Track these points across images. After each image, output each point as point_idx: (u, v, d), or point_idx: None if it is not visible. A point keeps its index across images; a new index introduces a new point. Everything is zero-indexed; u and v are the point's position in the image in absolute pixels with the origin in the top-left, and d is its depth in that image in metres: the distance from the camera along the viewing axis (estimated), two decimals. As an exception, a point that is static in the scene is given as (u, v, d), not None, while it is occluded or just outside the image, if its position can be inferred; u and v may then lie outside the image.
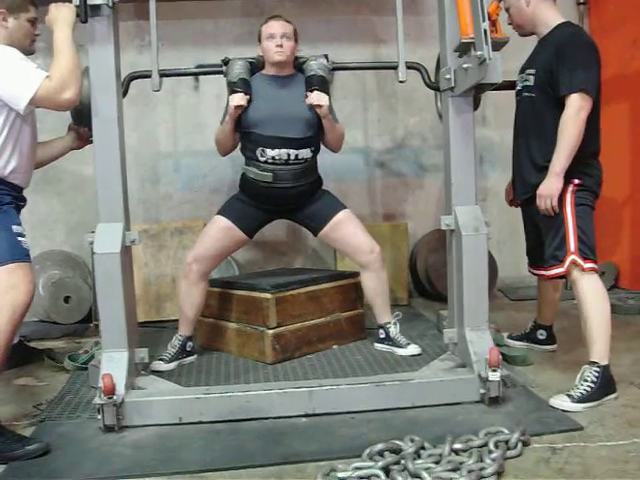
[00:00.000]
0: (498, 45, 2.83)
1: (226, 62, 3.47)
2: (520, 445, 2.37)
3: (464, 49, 2.83)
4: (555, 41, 3.00)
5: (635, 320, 4.29)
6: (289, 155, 3.40)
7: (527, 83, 3.14)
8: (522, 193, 3.24)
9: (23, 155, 2.85)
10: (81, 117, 3.19)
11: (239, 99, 3.32)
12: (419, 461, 2.26)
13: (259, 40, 3.49)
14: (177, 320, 3.64)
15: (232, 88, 3.37)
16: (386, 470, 2.21)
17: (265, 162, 3.40)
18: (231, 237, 3.53)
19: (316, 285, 3.78)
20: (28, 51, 3.01)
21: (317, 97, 3.33)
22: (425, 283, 5.15)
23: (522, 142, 3.21)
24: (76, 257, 5.02)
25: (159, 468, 2.38)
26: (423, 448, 2.35)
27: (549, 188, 2.95)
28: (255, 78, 3.47)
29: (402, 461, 2.25)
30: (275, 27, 3.41)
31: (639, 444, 2.40)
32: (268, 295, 3.55)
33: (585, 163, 2.98)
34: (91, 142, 3.31)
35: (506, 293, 5.09)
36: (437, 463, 2.25)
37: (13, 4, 2.93)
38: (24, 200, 3.01)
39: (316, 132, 3.48)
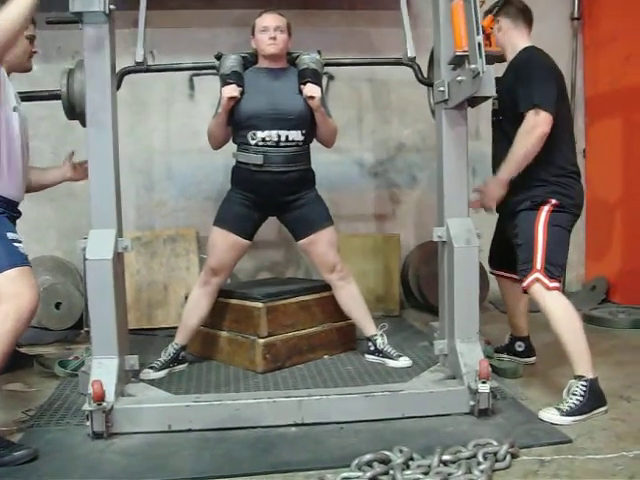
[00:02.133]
0: (492, 58, 2.86)
1: (219, 57, 3.48)
2: (509, 457, 2.37)
3: (458, 62, 2.85)
4: (514, 64, 3.13)
5: (625, 334, 4.30)
6: (279, 136, 3.37)
7: (495, 107, 3.27)
8: (500, 210, 3.31)
9: (8, 166, 2.78)
10: (73, 112, 3.17)
11: (231, 90, 3.31)
12: (408, 472, 2.27)
13: (252, 33, 3.49)
14: (169, 328, 3.65)
15: (225, 80, 3.36)
16: (374, 480, 2.22)
17: (256, 144, 3.38)
18: (235, 245, 3.52)
19: (307, 295, 3.78)
20: (25, 68, 3.05)
21: (310, 89, 3.33)
22: (416, 294, 5.16)
23: (496, 164, 3.26)
24: (68, 263, 5.01)
25: (148, 475, 2.37)
26: (412, 459, 2.35)
27: (492, 192, 3.10)
28: (248, 72, 3.47)
29: (391, 472, 2.26)
30: (269, 20, 3.41)
31: (627, 457, 2.41)
32: (259, 304, 3.55)
33: (562, 184, 3.04)
34: (87, 177, 3.31)
35: (497, 305, 5.09)
36: (426, 474, 2.25)
37: None
38: (18, 212, 2.96)
39: (309, 121, 3.45)
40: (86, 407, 2.65)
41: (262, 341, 3.50)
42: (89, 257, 2.89)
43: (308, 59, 3.46)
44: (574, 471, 2.32)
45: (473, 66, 2.59)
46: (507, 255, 3.25)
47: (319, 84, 3.39)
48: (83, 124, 3.10)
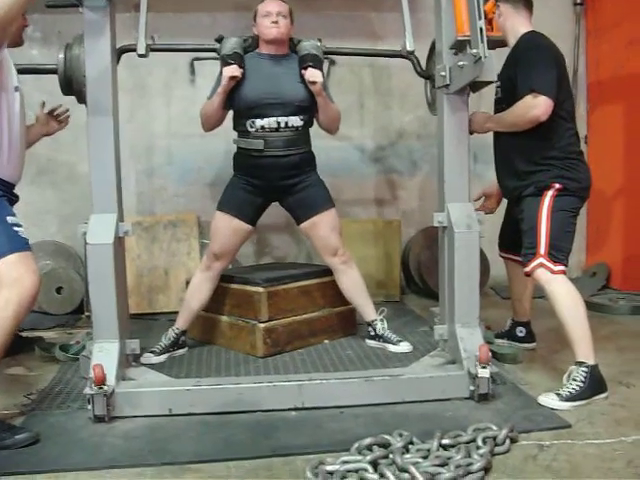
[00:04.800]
0: (494, 43, 2.85)
1: (220, 40, 3.47)
2: (508, 441, 2.38)
3: (460, 47, 2.84)
4: (515, 50, 3.12)
5: (625, 320, 4.32)
6: (279, 123, 3.40)
7: (498, 95, 3.27)
8: (506, 195, 3.37)
9: (9, 147, 2.74)
10: (70, 88, 3.15)
11: (233, 70, 3.31)
12: (407, 456, 2.27)
13: (254, 19, 3.49)
14: (169, 313, 3.66)
15: (226, 61, 3.35)
16: (374, 464, 2.22)
17: (255, 131, 3.41)
18: (238, 231, 3.54)
19: (308, 280, 3.79)
20: (17, 42, 3.03)
21: (311, 74, 3.34)
22: (417, 280, 5.16)
23: (497, 153, 3.34)
24: (69, 248, 5.01)
25: (149, 459, 2.39)
26: (412, 443, 2.36)
27: (477, 120, 3.24)
28: (249, 56, 3.46)
29: (390, 455, 2.26)
30: (271, 5, 3.41)
31: (626, 443, 2.43)
32: (260, 289, 3.56)
33: (566, 167, 3.03)
34: (61, 127, 3.31)
35: (498, 291, 5.11)
36: (425, 458, 2.26)
37: None
38: (16, 196, 2.93)
39: (309, 108, 3.47)
40: (87, 391, 2.66)
41: (263, 326, 3.51)
42: (90, 241, 2.90)
43: (309, 45, 3.45)
44: (573, 456, 2.33)
45: (474, 51, 2.59)
46: (516, 238, 3.24)
47: (320, 69, 3.39)
48: (79, 100, 3.10)
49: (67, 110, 3.57)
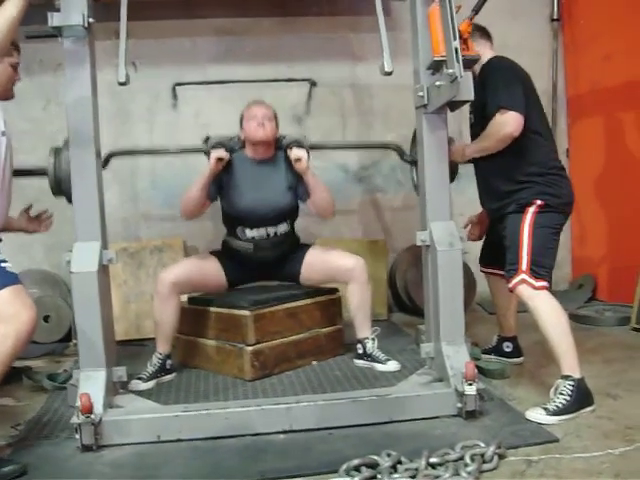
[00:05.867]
0: (469, 63, 2.88)
1: (206, 139, 3.57)
2: (496, 458, 2.38)
3: (436, 67, 2.87)
4: (481, 77, 3.18)
5: (612, 332, 4.34)
6: (268, 233, 3.62)
7: (472, 121, 3.35)
8: (490, 215, 3.43)
9: None
10: (60, 188, 3.15)
11: (220, 152, 3.42)
12: (395, 475, 2.28)
13: (241, 124, 3.64)
14: (157, 338, 3.63)
15: (213, 147, 3.45)
16: (363, 485, 2.22)
17: (245, 238, 3.62)
18: (215, 277, 3.68)
19: (295, 302, 3.78)
20: (7, 96, 3.03)
21: (296, 152, 3.46)
22: (404, 298, 5.17)
23: (478, 176, 3.39)
24: (55, 276, 5.00)
25: (137, 487, 2.38)
26: (400, 462, 2.36)
27: (456, 151, 3.29)
28: (236, 157, 3.60)
29: (379, 476, 2.27)
30: (257, 109, 3.59)
31: (613, 455, 2.43)
32: (247, 312, 3.55)
33: (547, 183, 3.06)
34: (42, 230, 3.38)
35: (485, 307, 5.12)
36: (413, 477, 2.27)
37: None
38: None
39: (295, 210, 3.72)
40: (74, 420, 2.65)
41: (250, 349, 3.51)
42: (74, 270, 2.90)
43: (293, 135, 3.63)
44: (561, 470, 2.34)
45: (451, 71, 2.62)
46: (498, 253, 3.27)
47: (305, 150, 3.50)
48: (69, 200, 3.08)
49: (51, 215, 3.57)
